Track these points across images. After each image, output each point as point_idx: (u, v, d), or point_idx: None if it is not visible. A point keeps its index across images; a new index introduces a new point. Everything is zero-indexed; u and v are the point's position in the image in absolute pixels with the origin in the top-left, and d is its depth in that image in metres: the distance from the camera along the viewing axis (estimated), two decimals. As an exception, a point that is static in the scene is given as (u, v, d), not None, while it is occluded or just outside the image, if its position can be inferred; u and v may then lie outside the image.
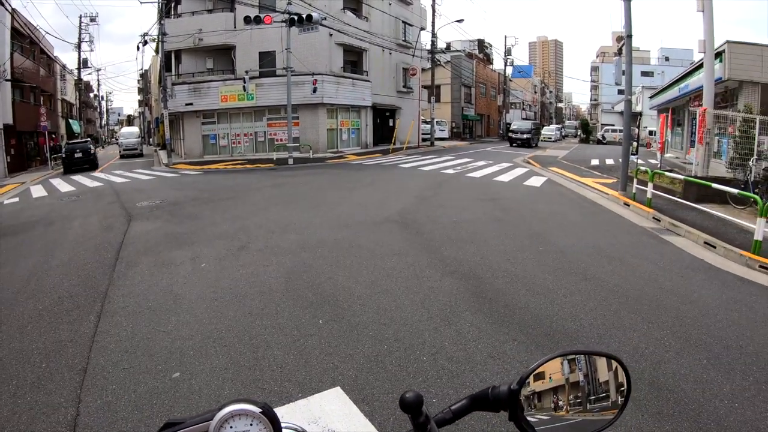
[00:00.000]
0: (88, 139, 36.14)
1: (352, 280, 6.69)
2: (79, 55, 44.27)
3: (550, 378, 1.06)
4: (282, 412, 3.45)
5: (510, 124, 48.61)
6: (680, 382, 4.15)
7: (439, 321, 5.36)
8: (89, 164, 28.27)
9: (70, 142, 32.90)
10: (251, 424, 0.93)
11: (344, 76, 30.99)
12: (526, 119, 59.48)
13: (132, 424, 3.44)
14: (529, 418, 1.03)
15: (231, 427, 0.92)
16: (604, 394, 1.07)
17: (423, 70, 40.94)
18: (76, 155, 28.00)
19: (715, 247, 8.77)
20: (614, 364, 1.09)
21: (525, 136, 42.29)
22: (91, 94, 68.03)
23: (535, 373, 1.05)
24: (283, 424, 0.99)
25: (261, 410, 0.93)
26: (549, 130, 62.68)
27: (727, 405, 3.84)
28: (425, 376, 4.16)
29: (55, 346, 4.79)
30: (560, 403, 1.06)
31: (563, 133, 72.17)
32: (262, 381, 4.05)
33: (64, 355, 4.57)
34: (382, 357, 4.52)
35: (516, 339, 4.93)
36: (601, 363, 1.08)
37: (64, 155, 28.24)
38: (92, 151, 29.37)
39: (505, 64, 60.87)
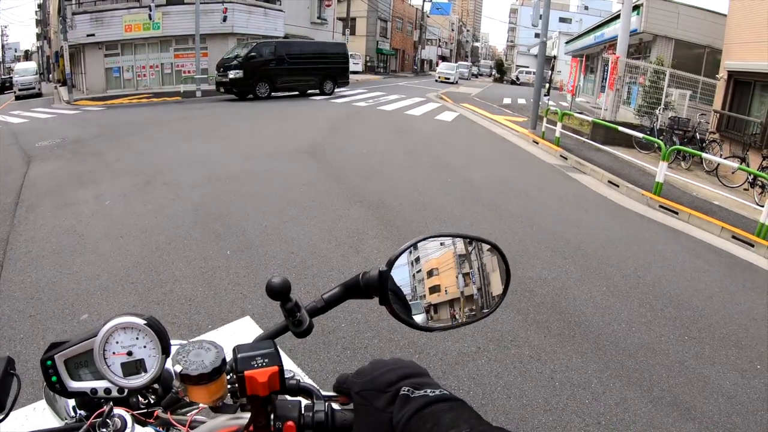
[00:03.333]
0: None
1: (261, 210, 6.62)
2: (-29, -14, 40.41)
3: (446, 291, 1.07)
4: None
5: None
6: (581, 307, 4.41)
7: (347, 248, 5.45)
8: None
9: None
10: (137, 338, 0.90)
11: (256, 5, 29.59)
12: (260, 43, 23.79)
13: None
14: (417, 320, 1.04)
15: (117, 342, 0.90)
16: (496, 308, 1.10)
17: (339, 1, 39.98)
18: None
19: (618, 186, 9.22)
20: (497, 274, 1.11)
21: (233, 74, 21.53)
22: (-16, 29, 62.96)
23: (428, 285, 1.06)
24: (173, 342, 0.97)
25: (146, 322, 0.90)
26: (448, 68, 45.40)
27: (625, 329, 4.12)
28: (333, 302, 4.21)
29: (-42, 301, 4.50)
30: (456, 315, 1.08)
31: (474, 72, 67.13)
32: (171, 315, 3.98)
33: (-32, 308, 4.29)
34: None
35: (423, 264, 5.05)
36: (495, 276, 1.10)
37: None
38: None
39: (424, 1, 60.25)
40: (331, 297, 1.03)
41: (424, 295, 1.05)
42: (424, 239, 1.05)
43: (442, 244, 1.09)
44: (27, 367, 3.37)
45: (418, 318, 1.04)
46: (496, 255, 1.09)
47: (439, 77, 43.39)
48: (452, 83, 41.37)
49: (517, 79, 57.61)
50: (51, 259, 5.19)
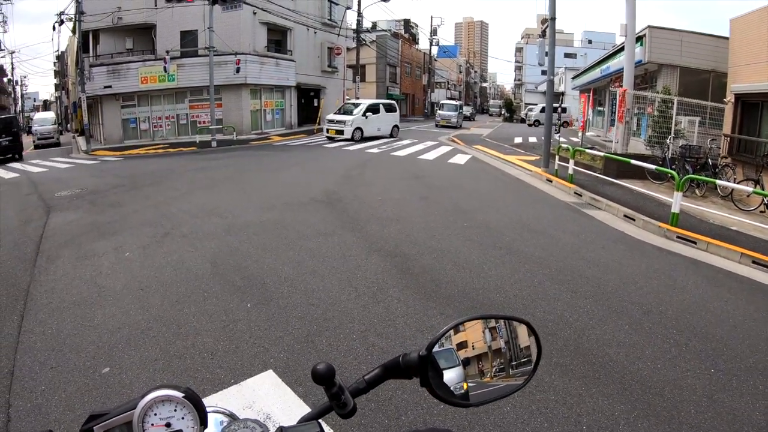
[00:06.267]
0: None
1: (279, 261, 6.63)
2: (-7, 37, 41.56)
3: (473, 346, 1.08)
4: (215, 400, 3.42)
5: None
6: (604, 348, 4.34)
7: (367, 299, 5.41)
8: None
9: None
10: (175, 410, 0.92)
11: (268, 56, 30.38)
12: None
13: (65, 425, 3.30)
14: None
15: (155, 414, 0.91)
16: (525, 359, 1.11)
17: (348, 49, 40.59)
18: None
19: (634, 220, 9.17)
20: (524, 327, 1.12)
21: None
22: (5, 79, 64.36)
23: (456, 341, 1.07)
24: (209, 409, 0.99)
25: (184, 395, 0.91)
26: (355, 109, 26.27)
27: (650, 367, 4.05)
28: (356, 354, 4.21)
29: (-22, 352, 4.52)
30: (485, 369, 1.08)
31: (468, 113, 58.77)
32: (193, 369, 3.97)
33: (-12, 359, 4.32)
34: (312, 337, 4.52)
35: (443, 313, 5.03)
36: (521, 329, 1.11)
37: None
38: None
39: (431, 44, 61.03)
40: (372, 378, 1.06)
41: (452, 351, 1.07)
42: (463, 322, 1.07)
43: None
44: (49, 419, 3.39)
45: (450, 373, 1.05)
46: (531, 333, 1.11)
47: (327, 131, 25.81)
48: (349, 140, 24.74)
49: (527, 117, 57.74)
50: (72, 311, 5.23)
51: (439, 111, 42.89)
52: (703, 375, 3.94)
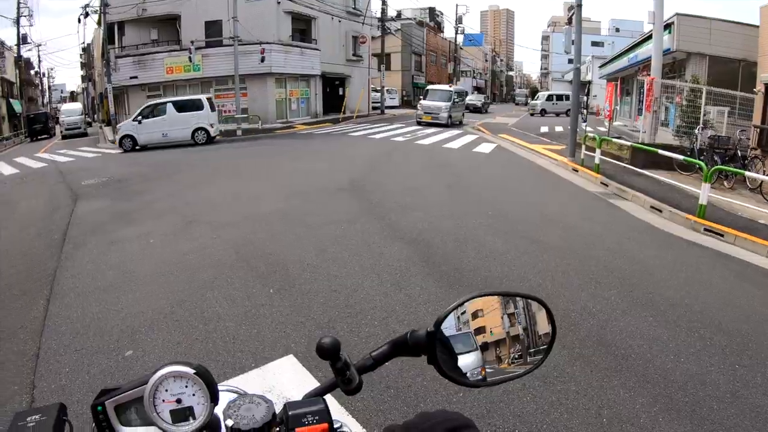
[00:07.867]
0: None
1: (302, 248, 6.65)
2: (18, 30, 41.95)
3: (491, 332, 1.06)
4: (236, 383, 3.42)
5: None
6: (627, 339, 4.28)
7: (390, 286, 5.40)
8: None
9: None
10: (186, 386, 0.92)
11: (293, 45, 30.41)
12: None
13: (87, 405, 3.34)
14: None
15: (166, 390, 0.92)
16: (544, 346, 1.09)
17: (373, 38, 40.54)
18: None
19: (661, 211, 9.04)
20: (537, 305, 1.10)
21: None
22: (32, 72, 65.15)
23: (474, 326, 1.06)
24: (221, 387, 0.98)
25: (195, 371, 0.91)
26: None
27: (673, 360, 3.98)
28: (376, 340, 4.19)
29: (5, 334, 4.60)
30: (502, 356, 1.07)
31: (480, 102, 47.38)
32: (215, 353, 4.00)
33: (15, 342, 4.39)
34: (333, 323, 4.53)
35: (466, 301, 4.99)
36: (540, 315, 1.09)
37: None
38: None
39: (456, 33, 60.47)
40: (379, 355, 1.05)
41: (469, 335, 1.05)
42: (472, 298, 1.05)
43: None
44: (72, 400, 3.44)
45: (467, 359, 1.03)
46: (544, 310, 1.09)
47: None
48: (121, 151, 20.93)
49: (533, 106, 53.39)
50: (97, 296, 5.32)
51: (421, 101, 29.05)
52: (727, 371, 3.86)
